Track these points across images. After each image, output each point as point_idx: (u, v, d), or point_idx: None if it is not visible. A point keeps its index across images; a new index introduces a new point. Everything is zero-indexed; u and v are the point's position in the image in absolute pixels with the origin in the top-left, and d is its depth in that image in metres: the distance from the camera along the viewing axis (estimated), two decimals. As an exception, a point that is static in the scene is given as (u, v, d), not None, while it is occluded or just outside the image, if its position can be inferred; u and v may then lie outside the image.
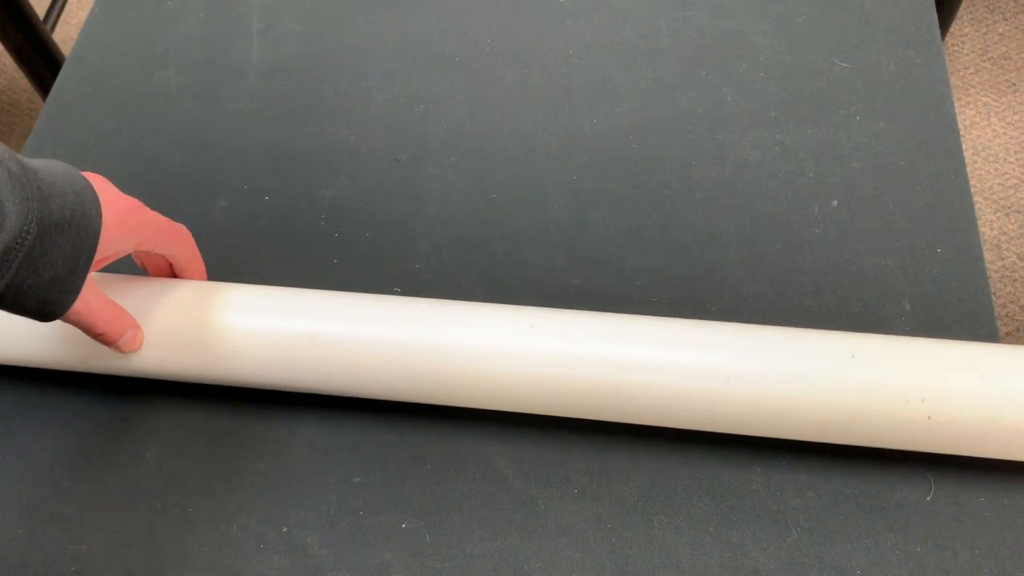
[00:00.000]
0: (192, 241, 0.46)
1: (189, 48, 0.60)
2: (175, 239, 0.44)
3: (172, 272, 0.46)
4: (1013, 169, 1.28)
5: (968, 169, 0.51)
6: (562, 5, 0.60)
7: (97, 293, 0.40)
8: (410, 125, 0.55)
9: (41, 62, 0.97)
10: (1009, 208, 1.26)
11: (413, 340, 0.41)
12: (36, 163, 0.36)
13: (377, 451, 0.44)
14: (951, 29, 1.42)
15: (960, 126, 0.54)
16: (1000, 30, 1.44)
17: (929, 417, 0.39)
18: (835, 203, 0.51)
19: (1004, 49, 1.41)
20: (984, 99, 1.37)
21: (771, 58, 0.57)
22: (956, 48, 1.43)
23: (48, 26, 1.00)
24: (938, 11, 0.58)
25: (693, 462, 0.43)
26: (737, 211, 0.51)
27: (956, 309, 0.47)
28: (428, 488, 0.43)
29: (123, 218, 0.40)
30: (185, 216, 0.52)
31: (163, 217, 0.43)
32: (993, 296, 0.47)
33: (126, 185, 0.53)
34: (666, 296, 0.48)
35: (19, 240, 0.33)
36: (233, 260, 0.50)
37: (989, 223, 1.26)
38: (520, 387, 0.41)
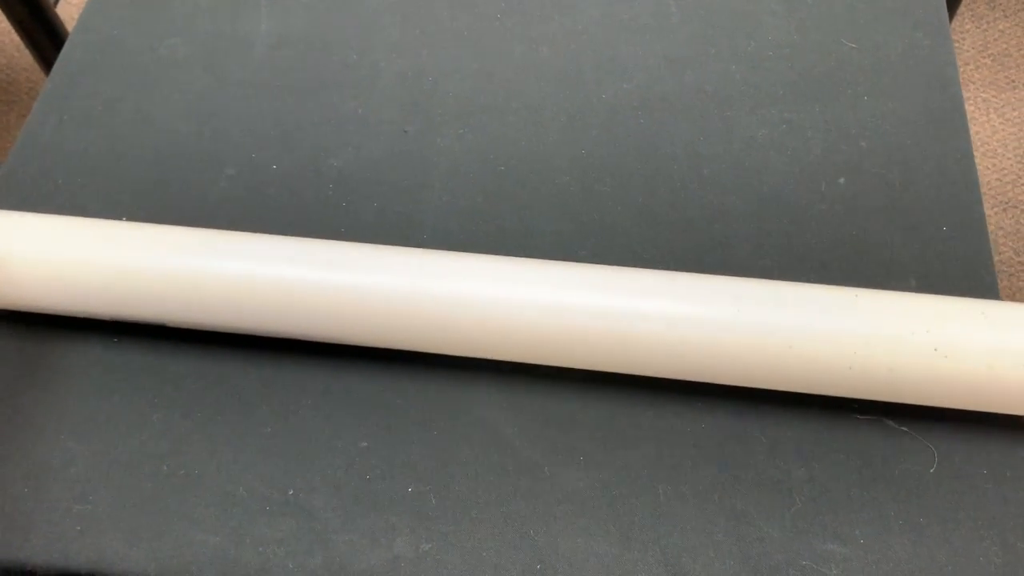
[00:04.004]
0: None
1: (197, 18, 0.60)
2: None
3: None
4: (1011, 165, 1.29)
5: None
6: (571, -18, 0.60)
7: None
8: (418, 97, 0.55)
9: (44, 36, 0.96)
10: (1007, 203, 1.26)
11: (406, 286, 0.42)
12: None
13: (383, 416, 0.44)
14: (952, 25, 1.42)
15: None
16: (1000, 27, 1.45)
17: (936, 349, 0.39)
18: (842, 181, 0.51)
19: (1004, 46, 1.42)
20: (984, 95, 1.38)
21: (779, 37, 0.57)
22: (957, 44, 1.44)
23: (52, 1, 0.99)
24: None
25: (699, 432, 0.43)
26: (744, 188, 0.51)
27: (960, 285, 0.47)
28: (434, 453, 0.43)
29: None
30: (192, 184, 0.52)
31: None
32: (997, 276, 0.48)
33: (133, 153, 0.54)
34: (672, 269, 0.48)
35: None
36: (240, 228, 0.50)
37: (987, 218, 1.27)
38: (522, 336, 0.42)
